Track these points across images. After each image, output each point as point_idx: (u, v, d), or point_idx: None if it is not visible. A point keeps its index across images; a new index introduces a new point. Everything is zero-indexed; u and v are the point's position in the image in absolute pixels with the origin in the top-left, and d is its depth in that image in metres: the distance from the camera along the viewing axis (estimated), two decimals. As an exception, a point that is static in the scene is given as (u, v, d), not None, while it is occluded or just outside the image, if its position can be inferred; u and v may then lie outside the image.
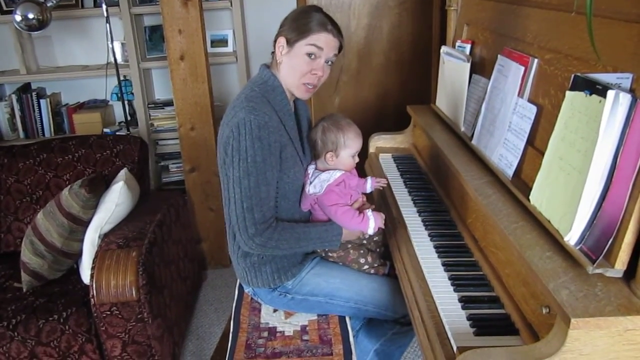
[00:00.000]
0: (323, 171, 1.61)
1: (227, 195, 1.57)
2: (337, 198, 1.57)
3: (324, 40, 1.52)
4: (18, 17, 2.60)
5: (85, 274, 2.03)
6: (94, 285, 1.86)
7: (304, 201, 1.65)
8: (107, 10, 2.85)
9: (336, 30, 1.56)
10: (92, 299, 1.87)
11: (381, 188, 1.80)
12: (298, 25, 1.53)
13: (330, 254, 1.70)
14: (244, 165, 1.46)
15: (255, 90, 1.55)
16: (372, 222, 1.56)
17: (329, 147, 1.59)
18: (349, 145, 1.59)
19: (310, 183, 1.61)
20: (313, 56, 1.53)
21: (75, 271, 2.20)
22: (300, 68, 1.54)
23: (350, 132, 1.60)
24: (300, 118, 1.68)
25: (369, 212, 1.57)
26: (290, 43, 1.53)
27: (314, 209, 1.66)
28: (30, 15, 2.61)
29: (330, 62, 1.57)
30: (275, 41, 1.59)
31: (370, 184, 1.73)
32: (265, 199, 1.49)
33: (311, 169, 1.66)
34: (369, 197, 1.79)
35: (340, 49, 1.59)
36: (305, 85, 1.56)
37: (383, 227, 1.60)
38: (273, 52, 1.61)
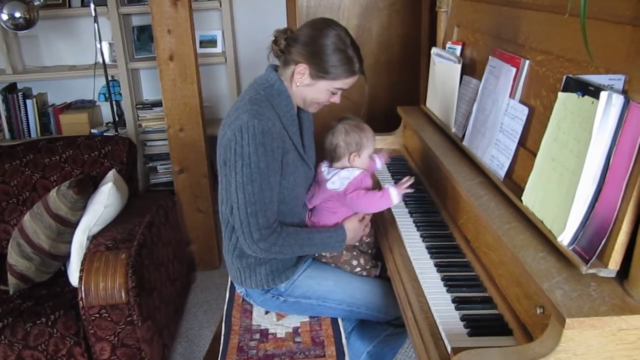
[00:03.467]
0: (342, 169, 1.63)
1: (226, 197, 1.57)
2: (356, 186, 1.60)
3: (349, 82, 1.55)
4: (4, 16, 2.58)
5: (74, 277, 2.00)
6: (83, 288, 1.84)
7: (316, 197, 1.67)
8: (95, 10, 2.83)
9: (360, 63, 1.53)
10: (80, 302, 1.85)
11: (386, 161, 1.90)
12: (324, 62, 1.48)
13: (323, 254, 1.70)
14: (248, 171, 1.44)
15: (260, 93, 1.53)
16: (394, 194, 1.57)
17: (352, 148, 1.63)
18: (369, 145, 1.65)
19: (328, 180, 1.63)
20: (335, 93, 1.56)
21: (63, 273, 2.18)
22: (320, 100, 1.57)
23: (369, 132, 1.66)
24: (302, 122, 1.66)
25: (387, 185, 1.60)
26: (313, 77, 1.51)
27: (321, 208, 1.67)
28: (17, 15, 2.58)
29: None
30: (282, 53, 1.54)
31: (379, 163, 1.80)
32: (269, 204, 1.48)
33: (324, 166, 1.68)
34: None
35: None
36: (319, 105, 1.60)
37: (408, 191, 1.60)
38: (282, 53, 1.54)
